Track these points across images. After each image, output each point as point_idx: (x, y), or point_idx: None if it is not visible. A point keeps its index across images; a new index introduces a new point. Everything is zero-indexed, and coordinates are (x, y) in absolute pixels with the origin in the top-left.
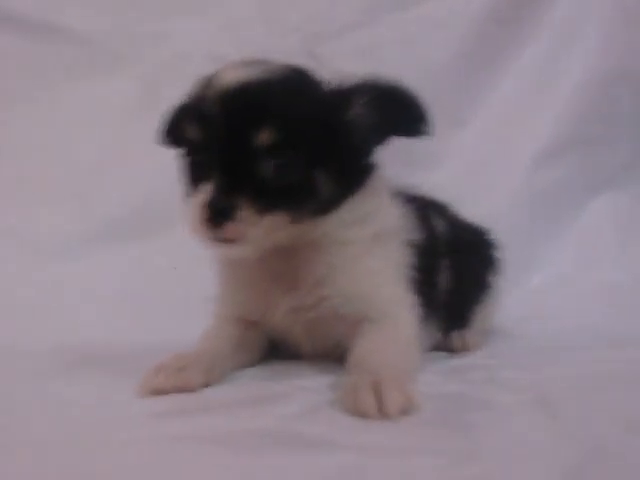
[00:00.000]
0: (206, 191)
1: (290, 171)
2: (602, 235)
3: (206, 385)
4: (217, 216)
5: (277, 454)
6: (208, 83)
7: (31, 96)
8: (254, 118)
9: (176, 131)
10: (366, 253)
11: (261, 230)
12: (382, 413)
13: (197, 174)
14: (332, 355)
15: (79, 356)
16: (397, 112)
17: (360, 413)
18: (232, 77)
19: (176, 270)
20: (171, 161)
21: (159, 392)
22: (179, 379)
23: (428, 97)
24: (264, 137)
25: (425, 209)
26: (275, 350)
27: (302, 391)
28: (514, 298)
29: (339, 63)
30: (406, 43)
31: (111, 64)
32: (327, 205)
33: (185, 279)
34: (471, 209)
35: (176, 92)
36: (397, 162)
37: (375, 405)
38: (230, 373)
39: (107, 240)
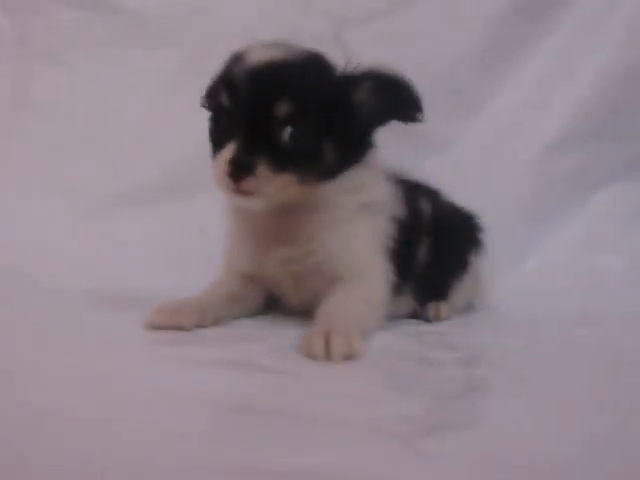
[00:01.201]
0: (230, 150)
1: (302, 138)
2: (603, 226)
3: (198, 326)
4: (238, 171)
5: (232, 372)
6: (238, 59)
7: (81, 64)
8: (275, 91)
9: (209, 98)
10: (352, 219)
11: (274, 186)
12: (327, 357)
13: (224, 136)
14: (314, 310)
15: (109, 296)
16: (395, 99)
17: (310, 355)
18: (259, 56)
19: (201, 231)
20: (202, 130)
21: (157, 327)
22: (173, 318)
23: (446, 84)
24: (282, 108)
25: (414, 191)
26: (271, 306)
27: (274, 336)
28: (509, 279)
29: (363, 48)
30: (427, 32)
31: (155, 38)
32: (329, 172)
33: (206, 239)
34: (476, 193)
35: (211, 68)
36: (410, 145)
37: (323, 349)
38: (224, 320)
39: (141, 200)
